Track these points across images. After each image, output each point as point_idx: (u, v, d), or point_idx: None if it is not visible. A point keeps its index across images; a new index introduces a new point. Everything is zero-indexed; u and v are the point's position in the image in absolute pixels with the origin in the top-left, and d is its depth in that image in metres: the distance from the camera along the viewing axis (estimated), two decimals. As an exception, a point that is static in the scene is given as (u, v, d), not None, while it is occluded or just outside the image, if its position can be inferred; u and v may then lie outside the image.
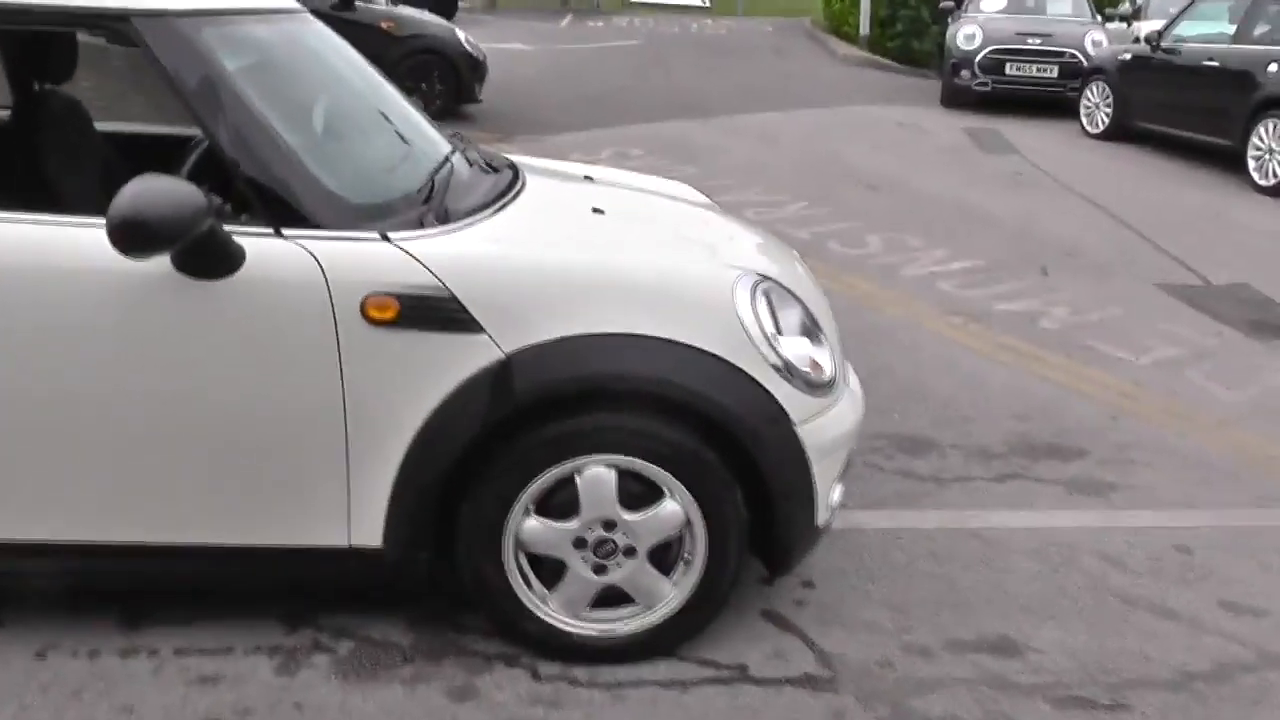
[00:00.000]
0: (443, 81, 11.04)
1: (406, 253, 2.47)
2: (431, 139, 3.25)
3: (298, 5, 3.29)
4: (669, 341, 2.54)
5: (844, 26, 20.85)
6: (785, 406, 2.61)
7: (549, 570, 2.68)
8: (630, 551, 2.63)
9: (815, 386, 2.69)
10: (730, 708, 2.62)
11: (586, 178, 3.63)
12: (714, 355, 2.55)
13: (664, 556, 2.69)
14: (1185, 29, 10.86)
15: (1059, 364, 5.12)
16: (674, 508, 2.61)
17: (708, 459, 2.58)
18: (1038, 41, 12.90)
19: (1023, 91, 12.92)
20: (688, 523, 2.63)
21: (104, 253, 2.28)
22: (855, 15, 19.68)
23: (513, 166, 3.29)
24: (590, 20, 25.06)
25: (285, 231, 2.46)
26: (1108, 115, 11.57)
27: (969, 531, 3.49)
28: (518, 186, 3.05)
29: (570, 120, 11.09)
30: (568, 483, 2.59)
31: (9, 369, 2.45)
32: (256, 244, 2.43)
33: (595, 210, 3.07)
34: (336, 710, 2.54)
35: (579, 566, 2.64)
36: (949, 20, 14.19)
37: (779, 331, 2.66)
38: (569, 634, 2.70)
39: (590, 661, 2.72)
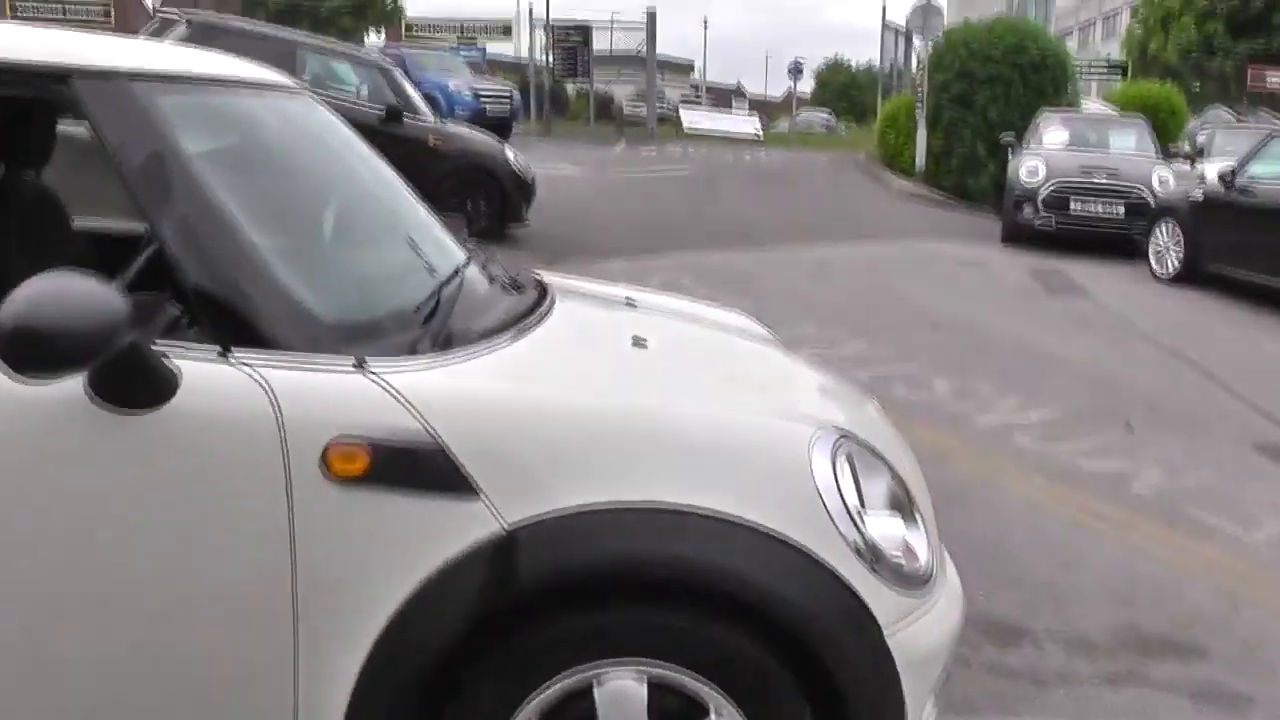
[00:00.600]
0: (488, 201, 10.71)
1: (385, 386, 1.91)
2: (445, 248, 2.72)
3: (295, 83, 2.80)
4: (724, 519, 1.95)
5: (899, 160, 20.59)
6: (872, 607, 2.00)
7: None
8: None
9: (908, 580, 2.08)
10: None
11: (629, 301, 3.08)
12: (782, 538, 1.96)
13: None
14: (1259, 168, 10.30)
15: (1160, 536, 4.46)
16: (721, 737, 1.99)
17: (770, 672, 1.97)
18: (1104, 178, 12.40)
19: (1088, 230, 12.37)
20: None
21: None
22: (910, 149, 19.42)
23: (541, 285, 2.75)
24: (643, 148, 25.00)
25: (235, 352, 1.91)
26: (1179, 258, 10.95)
27: (1083, 756, 2.82)
28: (543, 308, 2.51)
29: (619, 246, 10.67)
30: (583, 696, 1.98)
31: None
32: (196, 368, 1.89)
33: (636, 342, 2.51)
34: None
35: (597, 810, 2.01)
36: (1010, 154, 13.77)
37: (864, 506, 2.06)
38: None
39: None
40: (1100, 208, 12.33)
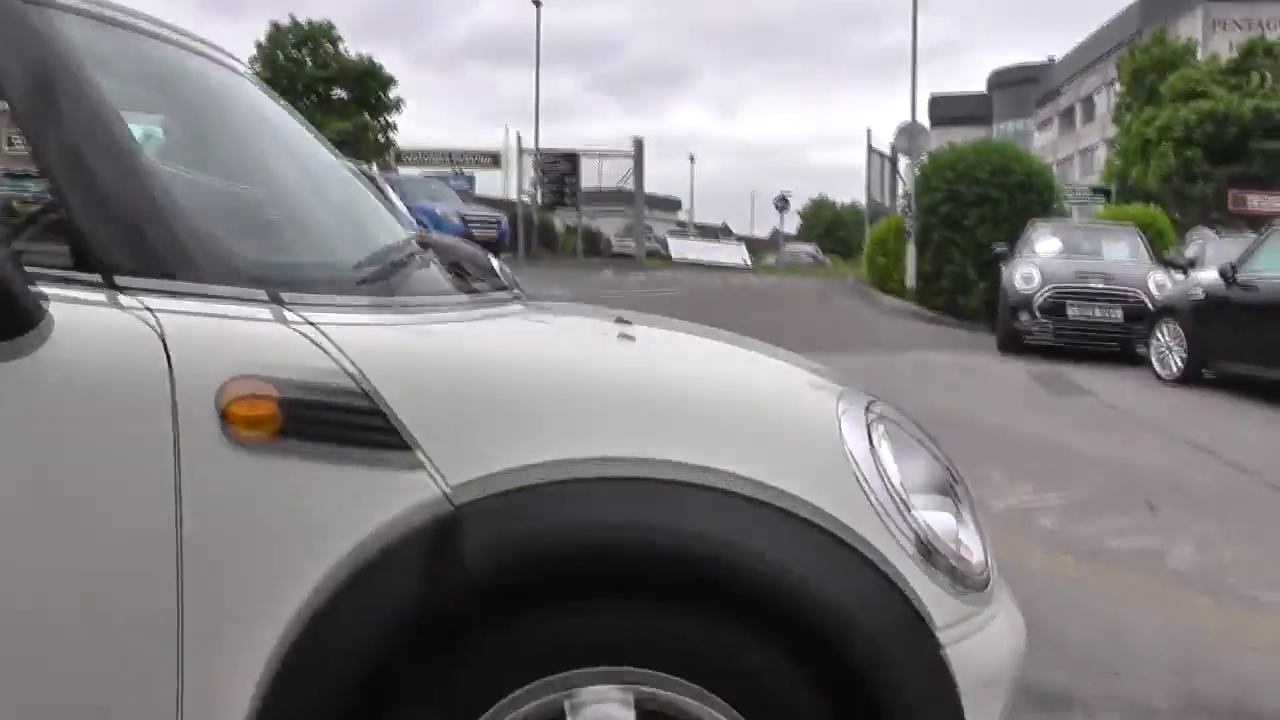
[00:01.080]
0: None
1: (304, 327, 1.53)
2: (393, 227, 2.36)
3: (236, 61, 2.46)
4: (728, 489, 1.54)
5: (889, 282, 20.50)
6: (925, 609, 1.57)
7: None
8: None
9: (965, 582, 1.66)
10: None
11: (620, 318, 2.70)
12: (807, 516, 1.54)
13: None
14: (1262, 262, 10.05)
15: (1207, 609, 4.01)
16: (734, 778, 1.54)
17: (793, 687, 1.53)
18: (1100, 282, 12.19)
19: (1085, 336, 12.11)
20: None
21: None
22: (899, 271, 19.35)
23: (515, 284, 2.38)
24: (632, 274, 24.96)
25: (120, 282, 1.53)
26: (1181, 359, 10.64)
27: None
28: (508, 295, 2.15)
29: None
30: (554, 716, 1.54)
31: None
32: (69, 298, 1.50)
33: (620, 321, 2.13)
34: None
35: None
36: (1001, 265, 13.59)
37: (907, 488, 1.65)
38: None
39: None
40: (1098, 312, 12.09)
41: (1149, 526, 5.23)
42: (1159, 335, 10.98)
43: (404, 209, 11.21)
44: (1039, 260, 12.94)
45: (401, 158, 31.68)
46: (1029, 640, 3.35)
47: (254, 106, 2.38)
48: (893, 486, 1.62)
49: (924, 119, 23.27)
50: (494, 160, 30.79)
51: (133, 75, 1.96)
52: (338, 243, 2.00)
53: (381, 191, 10.09)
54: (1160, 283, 12.19)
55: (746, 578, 1.51)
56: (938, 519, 1.68)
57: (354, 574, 1.47)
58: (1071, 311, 12.11)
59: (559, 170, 27.46)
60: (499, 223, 21.76)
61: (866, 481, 1.60)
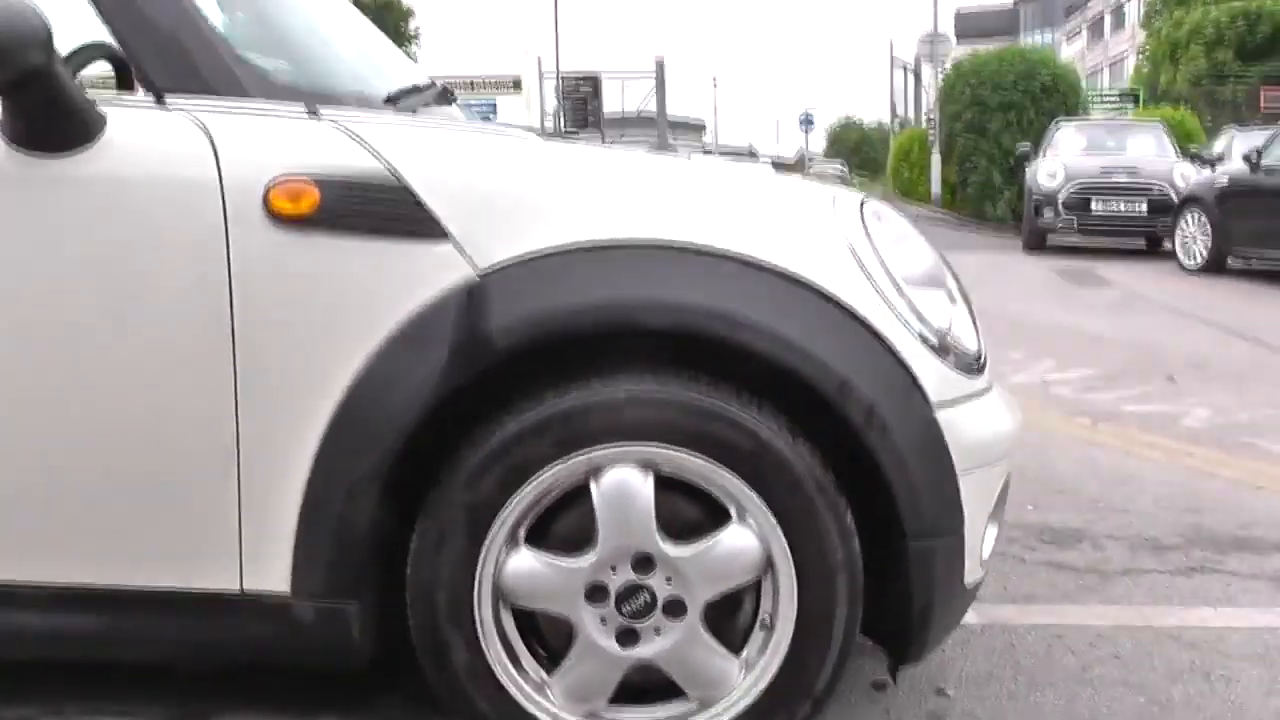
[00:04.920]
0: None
1: (341, 128, 1.65)
2: (414, 71, 2.46)
3: None
4: (737, 259, 1.64)
5: (913, 194, 20.40)
6: (919, 376, 1.69)
7: (549, 637, 1.74)
8: (675, 609, 1.68)
9: (957, 355, 1.77)
10: None
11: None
12: (808, 283, 1.65)
13: (729, 620, 1.73)
14: (1287, 147, 10.00)
15: (1219, 459, 4.10)
16: (745, 537, 1.67)
17: (801, 455, 1.65)
18: (1124, 176, 12.14)
19: (1110, 230, 12.09)
20: (768, 563, 1.69)
21: None
22: (924, 182, 19.26)
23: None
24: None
25: (169, 99, 1.66)
26: (1206, 247, 10.61)
27: (1162, 632, 2.47)
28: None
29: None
30: (579, 494, 1.67)
31: None
32: (126, 112, 1.64)
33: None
34: None
35: (595, 631, 1.68)
36: (1025, 164, 13.52)
37: (900, 272, 1.76)
38: (579, 746, 1.73)
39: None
40: (1122, 206, 12.05)
41: (1167, 394, 5.31)
42: (1183, 225, 10.94)
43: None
44: (1063, 157, 12.86)
45: (422, 84, 31.40)
46: (1042, 487, 3.50)
47: None
48: (885, 265, 1.73)
49: (950, 34, 22.86)
50: (515, 85, 30.57)
51: None
52: (365, 72, 2.11)
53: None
54: (1185, 174, 12.12)
55: (748, 343, 1.63)
56: (930, 298, 1.78)
57: (393, 340, 1.60)
58: (1096, 206, 12.08)
59: (581, 93, 27.30)
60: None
61: (858, 254, 1.71)
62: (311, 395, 1.61)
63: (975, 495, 1.77)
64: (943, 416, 1.70)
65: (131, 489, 1.67)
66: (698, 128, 59.84)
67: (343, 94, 1.85)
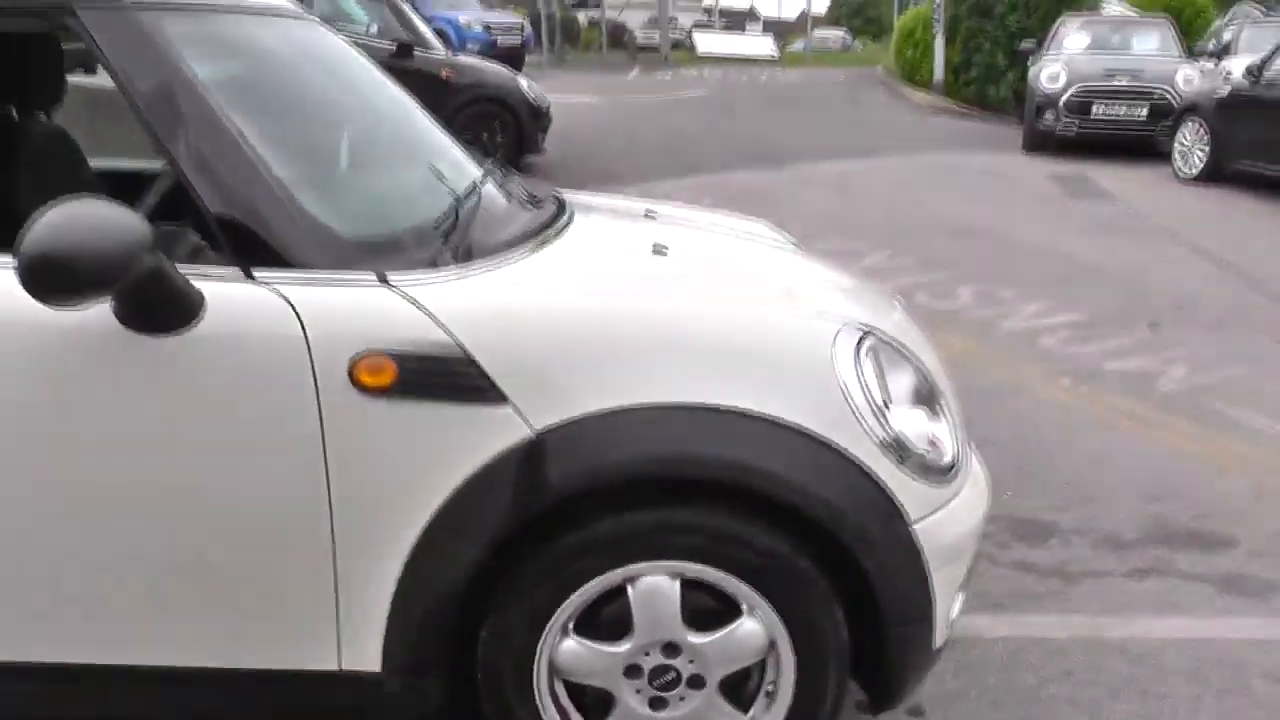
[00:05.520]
0: (504, 132, 10.64)
1: (410, 300, 1.95)
2: (462, 166, 2.73)
3: (302, 10, 2.80)
4: (749, 415, 1.98)
5: (917, 74, 20.31)
6: (899, 500, 2.03)
7: (592, 702, 2.13)
8: (697, 682, 2.07)
9: (934, 472, 2.11)
10: None
11: (648, 213, 3.09)
12: (808, 433, 1.99)
13: (739, 689, 2.12)
14: (1289, 62, 10.11)
15: (1187, 432, 4.47)
16: (753, 628, 2.05)
17: (799, 567, 2.02)
18: (1126, 80, 12.21)
19: (1111, 134, 12.22)
20: (771, 646, 2.07)
21: (25, 300, 1.76)
22: (928, 63, 19.15)
23: (559, 200, 2.77)
24: (658, 73, 24.74)
25: (256, 273, 1.95)
26: (1203, 156, 10.80)
27: (1110, 644, 2.87)
28: (561, 221, 2.53)
29: (637, 171, 10.61)
30: (618, 594, 2.04)
31: None
32: (219, 289, 1.92)
33: (656, 249, 2.53)
34: None
35: (631, 700, 2.08)
36: (1029, 62, 13.56)
37: (889, 401, 2.09)
38: (619, 785, 2.14)
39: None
40: (1124, 110, 12.16)
41: (1149, 346, 5.64)
42: (1183, 133, 11.10)
43: (427, 31, 11.37)
44: (1066, 57, 12.89)
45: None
46: (1019, 470, 3.85)
47: (331, 58, 2.74)
48: (873, 401, 2.05)
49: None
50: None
51: (228, 56, 2.31)
52: (424, 205, 2.37)
53: (405, 17, 10.10)
54: (1189, 77, 12.19)
55: (758, 481, 1.97)
56: (913, 423, 2.11)
57: (463, 489, 1.93)
58: (1097, 109, 12.19)
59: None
60: (522, 28, 21.52)
61: (852, 400, 2.03)
62: (396, 526, 1.96)
63: (945, 582, 2.13)
64: (919, 529, 2.05)
65: (255, 595, 2.03)
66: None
67: (403, 239, 2.11)
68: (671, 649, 2.05)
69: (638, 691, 2.07)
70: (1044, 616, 3.02)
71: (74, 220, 1.72)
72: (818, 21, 46.27)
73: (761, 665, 2.10)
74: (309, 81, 2.62)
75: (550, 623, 2.03)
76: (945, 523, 2.11)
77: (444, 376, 1.91)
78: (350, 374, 1.90)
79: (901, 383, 2.16)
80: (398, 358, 1.90)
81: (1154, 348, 5.61)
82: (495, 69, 11.45)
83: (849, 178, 10.79)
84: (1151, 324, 6.04)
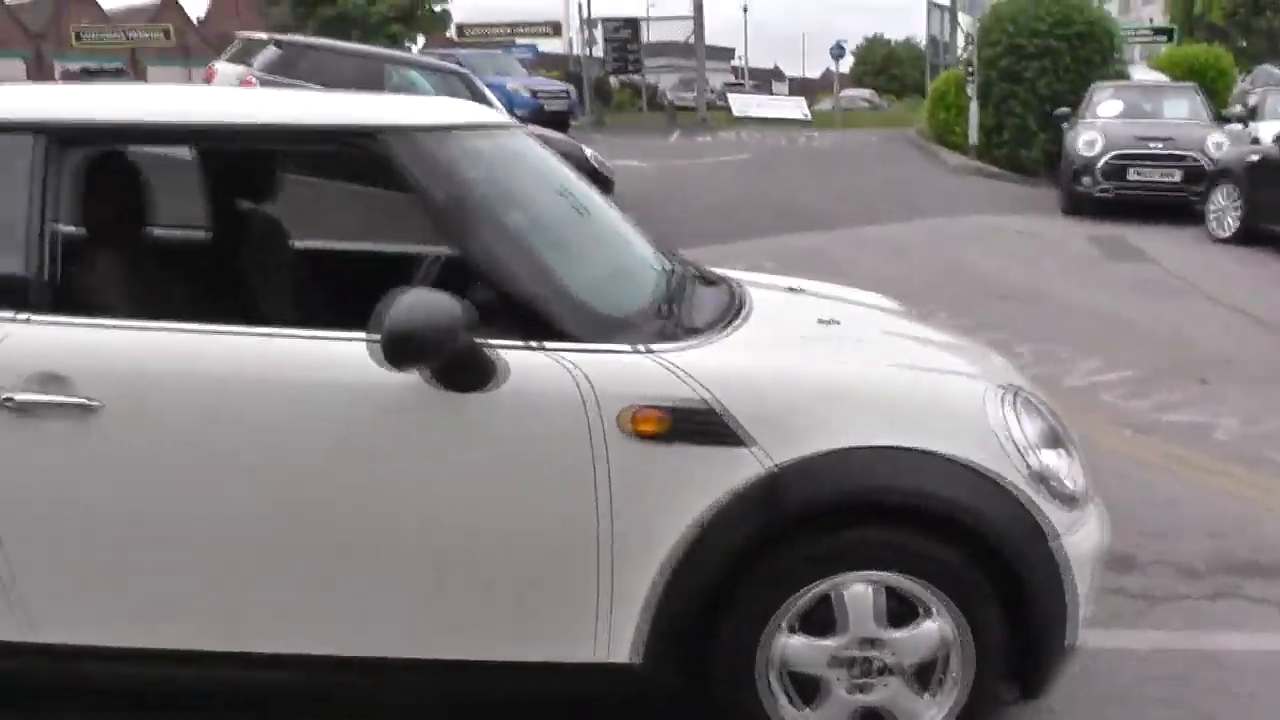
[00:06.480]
0: (572, 198, 11.25)
1: (668, 365, 2.52)
2: (648, 250, 3.33)
3: (514, 120, 3.42)
4: (931, 454, 2.56)
5: (950, 136, 20.94)
6: (1045, 521, 2.60)
7: (803, 688, 2.68)
8: (891, 671, 2.63)
9: (1069, 500, 2.68)
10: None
11: (791, 289, 3.68)
12: (975, 468, 2.56)
13: (926, 674, 2.68)
14: (1315, 129, 10.73)
15: (1243, 478, 5.01)
16: (934, 626, 2.62)
17: (974, 576, 2.58)
18: (1159, 146, 12.85)
19: (1146, 197, 12.83)
20: (949, 641, 2.63)
21: (358, 365, 2.38)
22: (961, 125, 19.77)
23: (725, 279, 3.36)
24: (698, 136, 25.48)
25: (544, 344, 2.52)
26: (1236, 219, 11.43)
27: (1199, 653, 3.41)
28: (747, 300, 3.11)
29: (700, 234, 11.15)
30: (826, 599, 2.61)
31: (264, 482, 2.54)
32: (514, 357, 2.49)
33: (828, 321, 3.12)
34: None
35: (838, 687, 2.64)
36: (1064, 126, 14.20)
37: (1031, 443, 2.66)
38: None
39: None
40: (1158, 175, 12.78)
41: (1200, 400, 6.19)
42: (1216, 197, 11.74)
43: (496, 102, 12.05)
44: (1100, 124, 13.54)
45: (463, 31, 32.14)
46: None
47: (544, 168, 3.36)
48: (1023, 443, 2.63)
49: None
50: (554, 29, 31.19)
51: (479, 168, 2.88)
52: (642, 286, 2.98)
53: (476, 90, 10.73)
54: (1218, 143, 12.82)
55: (943, 506, 2.55)
56: (1052, 461, 2.69)
57: (713, 515, 2.51)
58: (1132, 175, 12.81)
59: (621, 36, 27.90)
60: (568, 94, 22.38)
61: (1003, 442, 2.61)
62: (656, 542, 2.53)
63: (1079, 589, 2.69)
64: (1060, 545, 2.61)
65: (534, 602, 2.61)
66: (727, 53, 59.86)
67: (638, 317, 2.71)
68: (870, 643, 2.61)
69: (842, 679, 2.63)
70: (1138, 631, 3.56)
71: (423, 304, 2.32)
72: (843, 80, 47.17)
73: (940, 660, 2.65)
74: (537, 185, 3.24)
75: (775, 620, 2.60)
76: (1080, 541, 2.68)
77: (701, 424, 2.50)
78: (623, 423, 2.48)
79: (1038, 428, 2.73)
80: (664, 410, 2.49)
81: (1206, 401, 6.15)
82: (561, 138, 12.13)
83: (897, 240, 11.37)
84: (1202, 380, 6.58)
